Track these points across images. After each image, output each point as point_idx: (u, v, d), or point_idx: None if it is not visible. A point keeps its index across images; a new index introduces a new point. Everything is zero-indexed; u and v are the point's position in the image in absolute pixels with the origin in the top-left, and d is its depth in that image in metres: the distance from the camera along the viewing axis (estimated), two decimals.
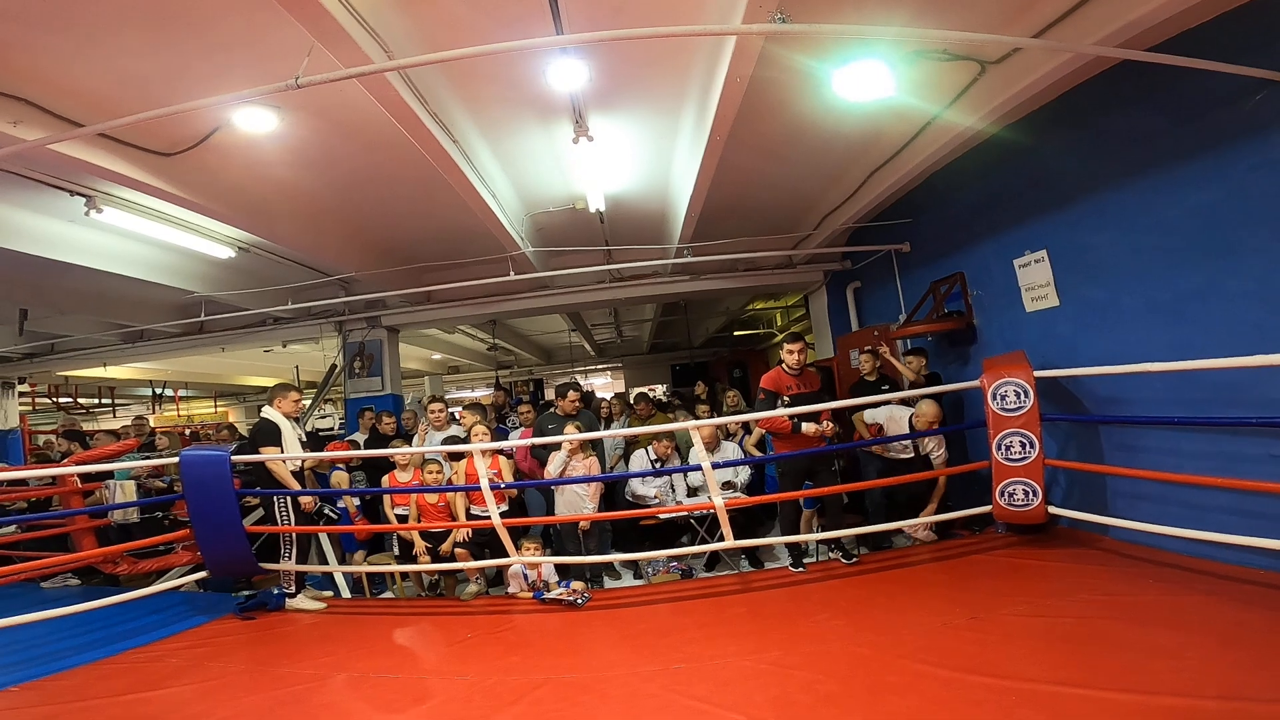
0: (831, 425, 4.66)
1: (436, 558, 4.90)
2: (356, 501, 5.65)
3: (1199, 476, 3.52)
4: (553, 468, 5.19)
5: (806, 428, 4.60)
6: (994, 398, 4.31)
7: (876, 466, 5.27)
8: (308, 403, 8.63)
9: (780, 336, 14.56)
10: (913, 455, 5.11)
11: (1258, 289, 3.31)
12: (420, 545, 4.86)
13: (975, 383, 4.46)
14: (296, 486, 4.81)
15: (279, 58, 3.45)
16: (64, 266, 6.15)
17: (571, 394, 5.78)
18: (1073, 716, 2.27)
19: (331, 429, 8.75)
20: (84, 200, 5.09)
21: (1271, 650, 2.56)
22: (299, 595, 4.81)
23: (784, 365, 4.75)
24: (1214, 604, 3.08)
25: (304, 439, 5.01)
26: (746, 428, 6.16)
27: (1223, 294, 3.50)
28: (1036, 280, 4.88)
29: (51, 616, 4.07)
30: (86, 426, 10.57)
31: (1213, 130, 3.48)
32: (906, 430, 5.02)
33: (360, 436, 7.13)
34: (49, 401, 12.13)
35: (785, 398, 4.66)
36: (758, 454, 5.79)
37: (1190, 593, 3.24)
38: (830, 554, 4.83)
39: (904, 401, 5.19)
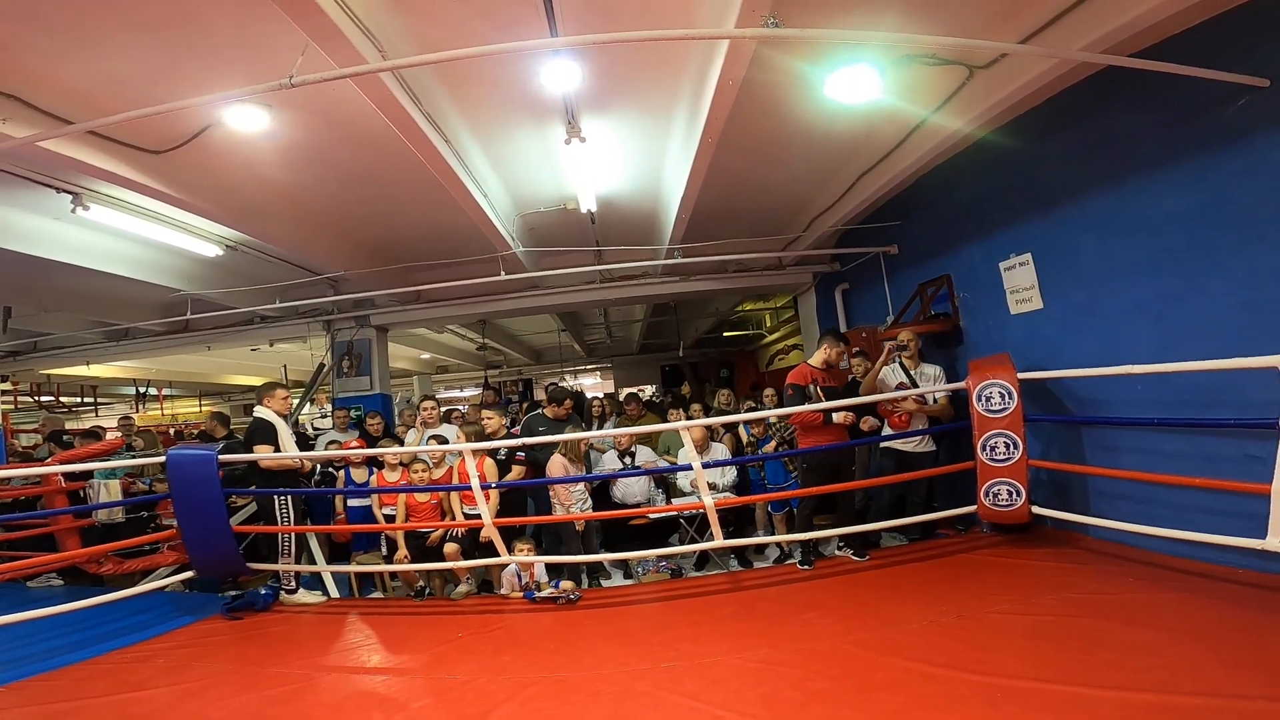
0: (871, 420, 4.71)
1: (421, 558, 4.90)
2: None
3: (1178, 477, 3.58)
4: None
5: (838, 417, 4.66)
6: (979, 399, 4.37)
7: (895, 459, 5.13)
8: (296, 400, 8.56)
9: (771, 337, 14.64)
10: (934, 449, 5.09)
11: (1238, 292, 3.38)
12: (403, 552, 4.86)
13: (961, 384, 4.53)
14: (300, 467, 4.95)
15: (271, 56, 3.44)
16: (48, 264, 6.07)
17: (568, 402, 5.81)
18: (1056, 712, 2.31)
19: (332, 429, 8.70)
20: (70, 198, 5.03)
21: (1249, 648, 2.61)
22: (299, 590, 4.82)
23: (812, 361, 4.90)
24: (1192, 602, 3.14)
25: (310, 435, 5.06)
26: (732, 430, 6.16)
27: (1204, 296, 3.57)
28: (1021, 283, 4.95)
29: (36, 617, 4.04)
30: (69, 425, 10.43)
31: (1197, 135, 3.54)
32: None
33: (341, 436, 7.10)
34: (31, 400, 11.96)
35: (818, 390, 4.75)
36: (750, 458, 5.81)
37: (1169, 591, 3.31)
38: (838, 551, 4.89)
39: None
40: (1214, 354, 3.31)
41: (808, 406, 4.68)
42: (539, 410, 6.22)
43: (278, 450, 4.81)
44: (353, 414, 7.89)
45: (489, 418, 5.52)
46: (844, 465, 4.79)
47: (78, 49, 3.53)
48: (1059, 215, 4.56)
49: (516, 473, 5.43)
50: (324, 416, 9.05)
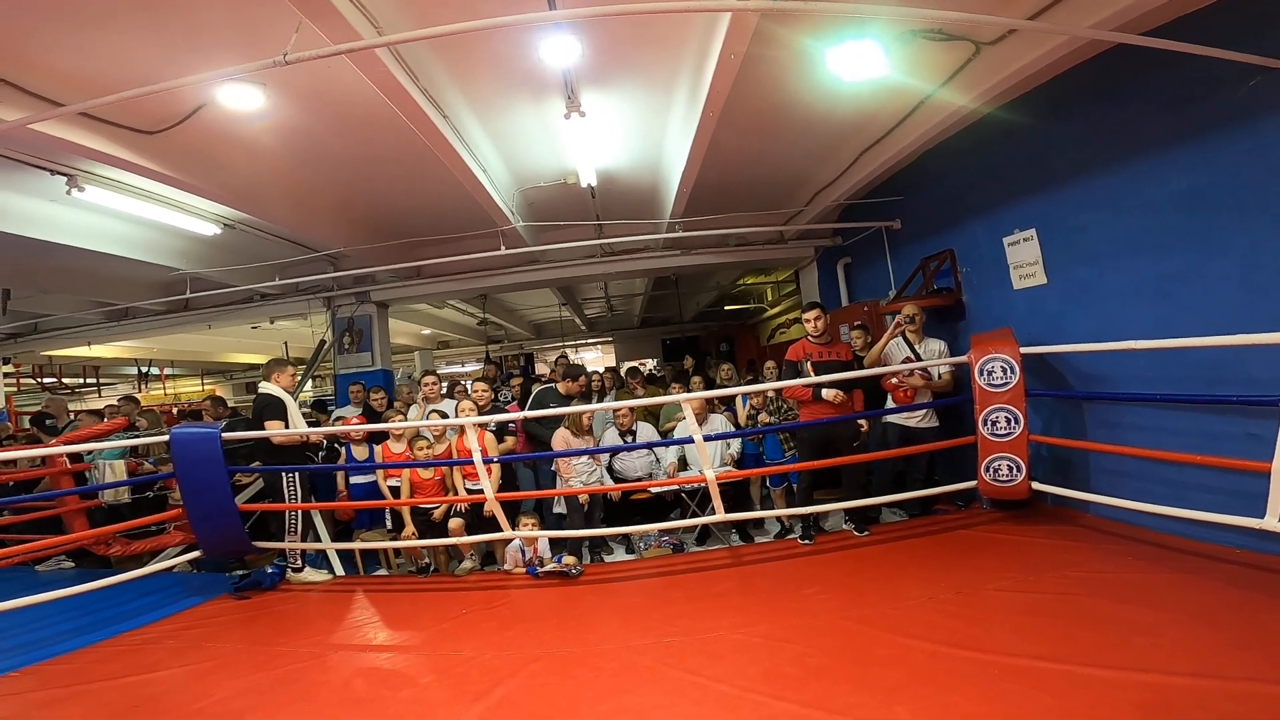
0: (840, 393, 4.65)
1: (428, 533, 4.95)
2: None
3: (1179, 454, 3.58)
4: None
5: (827, 394, 4.65)
6: (981, 373, 4.36)
7: (897, 434, 5.15)
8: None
9: (772, 311, 14.60)
10: (937, 425, 5.07)
11: (1241, 271, 3.36)
12: (410, 529, 4.90)
13: (963, 358, 4.51)
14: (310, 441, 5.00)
15: (265, 35, 3.37)
16: (46, 245, 6.05)
17: (583, 378, 5.84)
18: (1053, 690, 2.34)
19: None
20: (65, 179, 4.99)
21: (1245, 629, 2.63)
22: (305, 568, 4.88)
23: (807, 335, 4.87)
24: (1190, 582, 3.16)
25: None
26: (729, 404, 6.16)
27: (1207, 275, 3.55)
28: (1025, 258, 4.91)
29: (46, 600, 4.07)
30: (72, 407, 10.45)
31: (1203, 115, 3.49)
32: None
33: (352, 411, 7.10)
34: (34, 382, 11.98)
35: (809, 366, 4.72)
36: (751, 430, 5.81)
37: (1168, 570, 3.33)
38: (844, 525, 4.93)
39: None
40: (1215, 332, 3.30)
41: (795, 381, 4.68)
42: (551, 385, 6.21)
43: (287, 426, 4.82)
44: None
45: (480, 391, 5.57)
46: (837, 440, 4.77)
47: (68, 31, 3.47)
48: (1064, 192, 4.51)
49: (508, 444, 5.49)
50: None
